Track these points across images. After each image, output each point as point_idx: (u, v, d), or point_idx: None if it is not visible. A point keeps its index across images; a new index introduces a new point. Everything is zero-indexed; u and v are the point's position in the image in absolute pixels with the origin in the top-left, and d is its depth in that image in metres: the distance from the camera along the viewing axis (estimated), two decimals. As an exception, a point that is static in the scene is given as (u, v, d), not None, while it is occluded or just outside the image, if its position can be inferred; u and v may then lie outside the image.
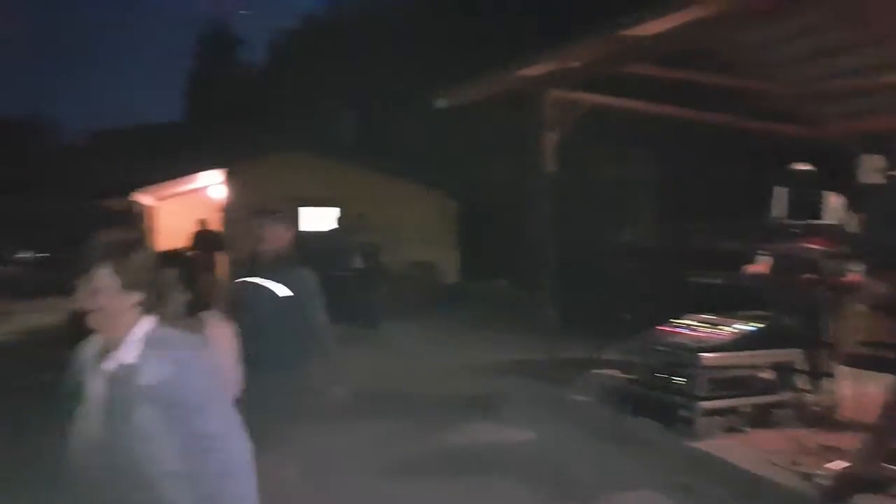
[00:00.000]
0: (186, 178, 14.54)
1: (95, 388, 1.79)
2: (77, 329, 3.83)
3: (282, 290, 3.47)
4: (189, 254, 12.62)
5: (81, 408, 1.82)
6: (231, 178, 13.51)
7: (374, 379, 7.40)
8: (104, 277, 1.74)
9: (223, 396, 1.89)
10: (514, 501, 4.51)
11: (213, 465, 1.76)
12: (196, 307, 2.65)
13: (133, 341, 1.77)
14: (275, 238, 3.60)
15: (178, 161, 17.70)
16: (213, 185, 14.00)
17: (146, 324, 1.80)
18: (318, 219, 13.89)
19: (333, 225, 13.73)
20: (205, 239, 13.06)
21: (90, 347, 1.87)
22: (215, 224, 14.23)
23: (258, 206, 3.97)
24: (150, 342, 1.77)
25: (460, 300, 12.99)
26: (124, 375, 1.74)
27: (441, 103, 6.94)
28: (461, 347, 9.15)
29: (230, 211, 13.54)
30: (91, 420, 1.78)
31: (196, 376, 1.80)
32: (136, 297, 1.79)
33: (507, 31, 15.10)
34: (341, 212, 13.56)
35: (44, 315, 13.12)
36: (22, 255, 28.30)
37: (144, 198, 14.43)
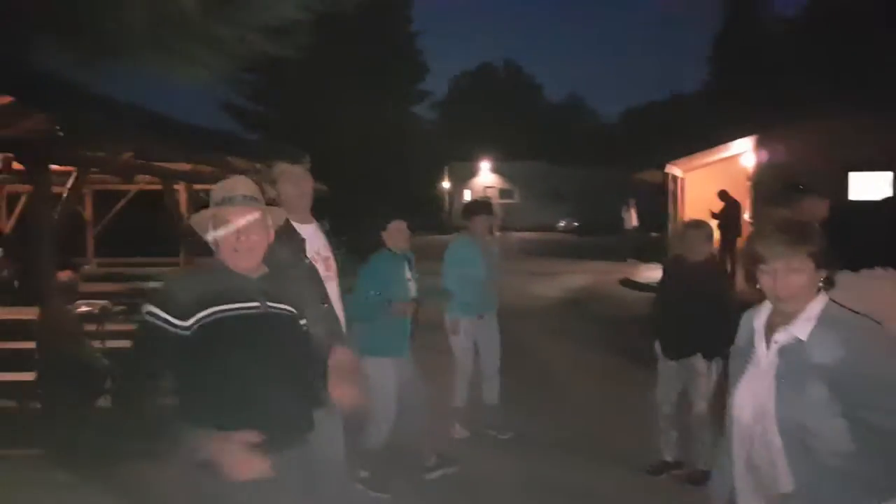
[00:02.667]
0: (714, 148, 14.19)
1: (762, 355, 1.89)
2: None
3: None
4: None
5: (749, 369, 1.93)
6: (761, 145, 12.55)
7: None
8: (802, 260, 1.79)
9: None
10: None
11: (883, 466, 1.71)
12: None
13: (807, 318, 1.80)
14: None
15: (705, 130, 17.49)
16: (743, 152, 13.29)
17: (820, 302, 1.82)
18: (872, 186, 11.76)
19: (888, 193, 11.49)
20: (729, 208, 12.60)
21: (759, 316, 1.97)
22: (741, 194, 13.58)
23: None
24: (823, 320, 1.78)
25: None
26: (796, 349, 1.80)
27: None
28: None
29: (759, 180, 12.63)
30: (756, 384, 1.88)
31: (867, 364, 1.72)
32: (821, 275, 1.83)
33: None
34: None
35: (581, 275, 15.06)
36: (562, 223, 33.14)
37: (673, 169, 14.73)
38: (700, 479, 3.82)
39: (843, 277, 2.04)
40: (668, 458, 4.22)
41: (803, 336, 1.78)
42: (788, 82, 21.07)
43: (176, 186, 7.26)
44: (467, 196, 37.73)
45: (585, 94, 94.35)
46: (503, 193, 37.38)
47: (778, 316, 1.88)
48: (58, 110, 3.69)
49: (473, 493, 4.03)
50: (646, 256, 16.57)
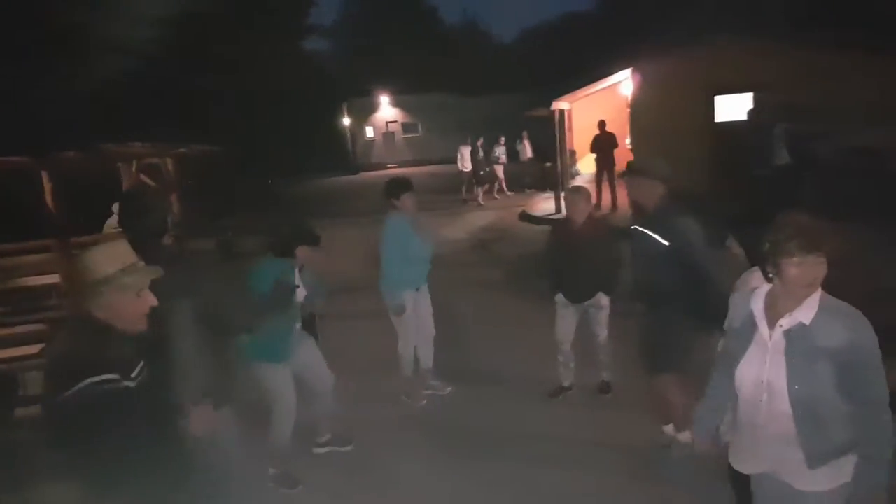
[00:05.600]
0: (595, 82, 14.58)
1: (766, 336, 2.25)
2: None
3: (661, 240, 3.62)
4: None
5: (751, 347, 2.28)
6: (639, 73, 13.07)
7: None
8: (818, 264, 2.11)
9: (879, 361, 2.13)
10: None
11: (872, 429, 2.14)
12: None
13: (809, 306, 2.16)
14: (646, 197, 3.76)
15: (588, 58, 17.79)
16: (621, 81, 13.81)
17: (818, 293, 2.17)
18: (737, 107, 12.53)
19: (749, 114, 12.22)
20: (602, 140, 13.23)
21: (756, 300, 2.31)
22: (622, 121, 14.19)
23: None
24: (823, 309, 2.15)
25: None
26: (802, 333, 2.16)
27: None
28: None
29: (637, 107, 13.23)
30: (759, 360, 2.25)
31: (869, 344, 2.10)
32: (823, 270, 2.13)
33: None
34: (761, 97, 11.89)
35: (484, 212, 15.43)
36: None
37: (560, 104, 15.10)
38: (607, 388, 5.04)
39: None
40: (566, 384, 5.12)
41: (807, 321, 2.15)
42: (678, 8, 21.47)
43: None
44: (370, 133, 37.10)
45: (478, 15, 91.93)
46: (406, 127, 37.02)
47: (785, 301, 2.21)
48: None
49: (364, 465, 4.38)
50: (542, 186, 17.37)
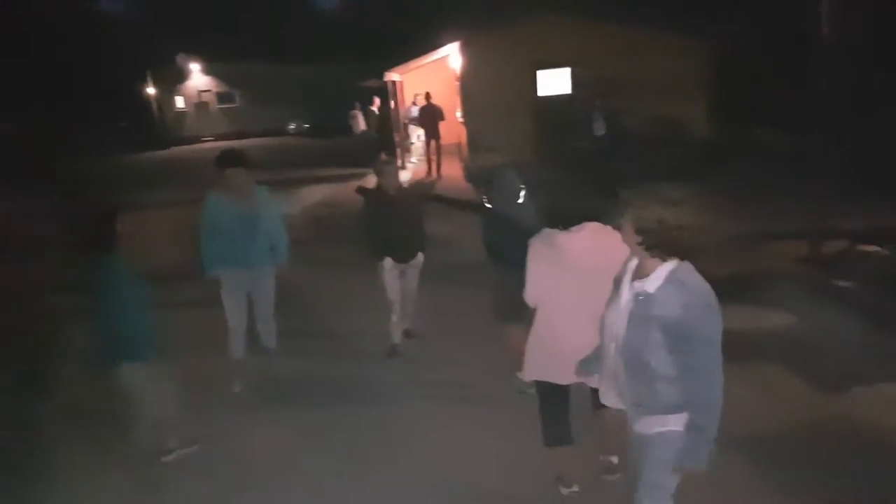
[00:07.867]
0: (431, 51, 14.75)
1: (624, 295, 2.44)
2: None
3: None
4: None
5: (614, 301, 2.50)
6: (466, 47, 13.48)
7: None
8: (628, 232, 2.37)
9: (713, 337, 2.30)
10: (783, 387, 4.47)
11: (693, 390, 2.34)
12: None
13: (657, 276, 2.33)
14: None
15: (422, 29, 17.86)
16: (450, 55, 14.15)
17: (671, 265, 2.33)
18: (556, 82, 13.43)
19: (567, 89, 13.18)
20: (429, 112, 13.64)
21: (633, 261, 2.48)
22: (451, 93, 14.59)
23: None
24: (670, 280, 2.31)
25: (716, 156, 11.84)
26: (646, 300, 2.34)
27: None
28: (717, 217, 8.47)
29: (465, 80, 13.68)
30: (615, 315, 2.47)
31: (697, 318, 2.27)
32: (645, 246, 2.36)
33: None
34: (578, 72, 12.89)
35: (319, 187, 15.08)
36: (292, 126, 32.10)
37: (392, 75, 15.12)
38: (410, 334, 5.73)
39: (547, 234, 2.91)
40: (398, 341, 5.55)
41: (651, 290, 2.33)
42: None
43: None
44: (180, 103, 34.33)
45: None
46: (222, 97, 34.78)
47: (641, 269, 2.42)
48: None
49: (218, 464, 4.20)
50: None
